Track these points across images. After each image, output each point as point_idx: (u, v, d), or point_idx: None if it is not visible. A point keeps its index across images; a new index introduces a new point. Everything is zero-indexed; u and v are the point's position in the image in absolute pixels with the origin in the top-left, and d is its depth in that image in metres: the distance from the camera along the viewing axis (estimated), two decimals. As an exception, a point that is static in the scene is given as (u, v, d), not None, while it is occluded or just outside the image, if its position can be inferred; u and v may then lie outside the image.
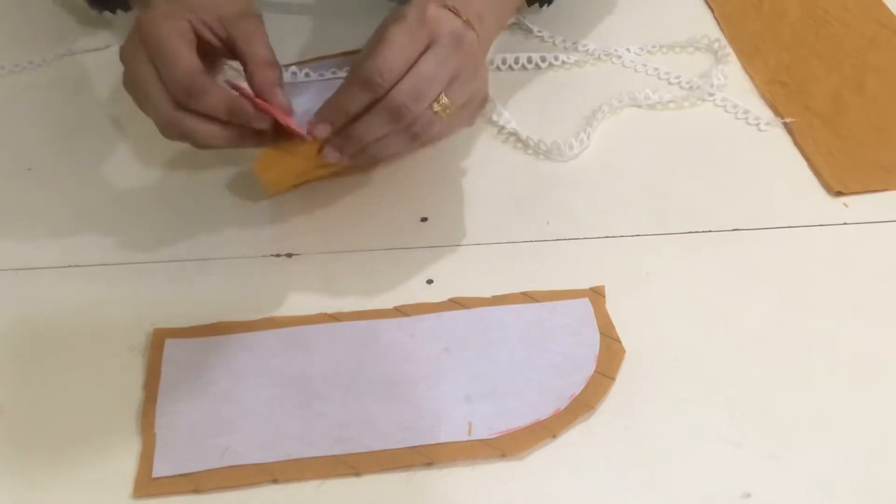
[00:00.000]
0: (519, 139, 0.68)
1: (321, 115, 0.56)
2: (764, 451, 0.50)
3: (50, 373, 0.54)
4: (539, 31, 0.79)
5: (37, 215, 0.64)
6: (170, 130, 0.55)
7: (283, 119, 0.55)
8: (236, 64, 0.57)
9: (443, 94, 0.55)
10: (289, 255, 0.61)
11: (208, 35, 0.56)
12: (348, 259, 0.61)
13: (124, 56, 0.56)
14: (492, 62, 0.73)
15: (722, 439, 0.50)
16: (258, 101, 0.55)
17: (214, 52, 0.57)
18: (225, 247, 0.61)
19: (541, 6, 0.80)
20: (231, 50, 0.57)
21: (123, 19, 0.78)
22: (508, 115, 0.70)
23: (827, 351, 0.55)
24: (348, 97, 0.55)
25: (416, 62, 0.54)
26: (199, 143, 0.56)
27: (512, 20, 0.79)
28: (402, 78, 0.54)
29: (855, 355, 0.54)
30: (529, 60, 0.75)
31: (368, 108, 0.55)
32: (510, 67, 0.75)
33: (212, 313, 0.57)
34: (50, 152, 0.69)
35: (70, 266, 0.60)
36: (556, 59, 0.75)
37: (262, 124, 0.55)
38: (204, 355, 0.54)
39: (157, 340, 0.55)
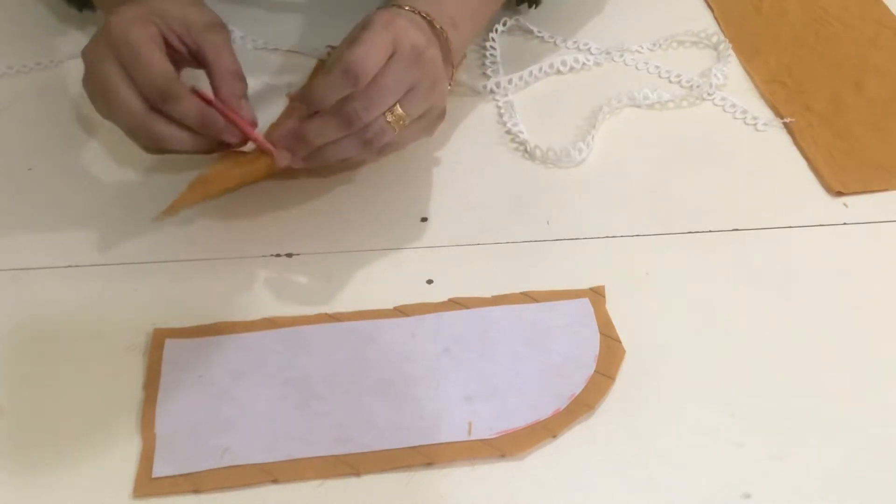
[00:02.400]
0: (526, 150, 0.68)
1: (300, 98, 0.57)
2: (764, 452, 0.50)
3: (50, 373, 0.54)
4: (539, 32, 0.79)
5: (37, 215, 0.64)
6: (139, 133, 0.56)
7: (248, 131, 0.56)
8: (193, 73, 0.58)
9: (397, 105, 0.56)
10: (289, 255, 0.61)
11: (176, 43, 0.57)
12: (348, 259, 0.61)
13: (90, 57, 0.55)
14: (510, 81, 0.74)
15: (722, 439, 0.50)
16: (227, 112, 0.55)
17: (179, 60, 0.57)
18: (225, 247, 0.61)
19: (529, 6, 0.80)
20: (198, 60, 0.57)
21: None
22: (521, 124, 0.70)
23: (827, 351, 0.55)
24: (327, 87, 0.54)
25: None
26: (165, 148, 0.57)
27: (511, 22, 0.79)
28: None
29: (855, 355, 0.54)
30: (541, 70, 0.75)
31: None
32: (526, 81, 0.74)
33: (212, 313, 0.57)
34: (50, 153, 0.69)
35: (70, 266, 0.60)
36: (564, 64, 0.75)
37: (232, 137, 0.56)
38: (204, 355, 0.54)
39: (157, 340, 0.55)
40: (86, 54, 0.56)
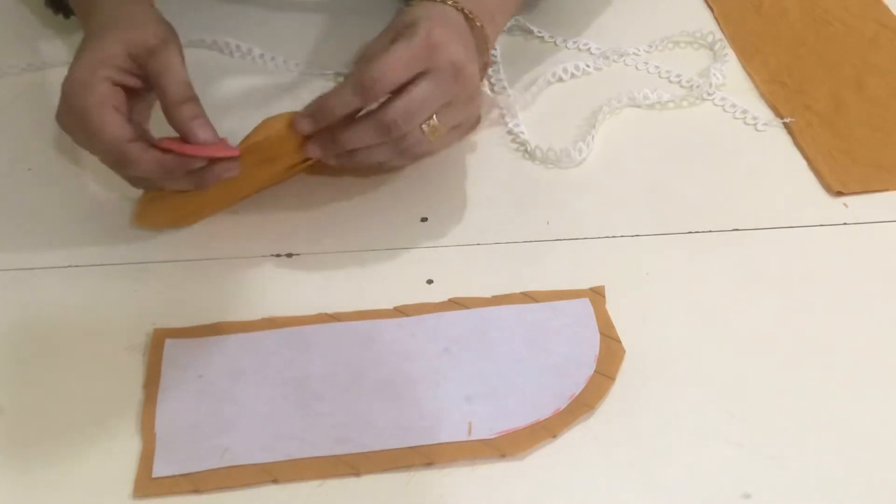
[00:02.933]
0: (527, 150, 0.68)
1: (308, 109, 0.57)
2: (764, 452, 0.50)
3: (50, 373, 0.54)
4: (539, 32, 0.79)
5: (37, 215, 0.64)
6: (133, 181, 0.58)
7: (209, 153, 0.55)
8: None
9: (434, 116, 0.56)
10: (289, 255, 0.61)
11: (130, 81, 0.57)
12: (348, 259, 0.61)
13: (60, 124, 0.57)
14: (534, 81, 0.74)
15: (722, 439, 0.50)
16: (184, 148, 0.55)
17: (136, 91, 0.57)
18: (225, 247, 0.61)
19: None
20: (150, 86, 0.57)
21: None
22: (523, 124, 0.70)
23: (827, 351, 0.55)
24: (338, 98, 0.56)
25: (412, 82, 0.55)
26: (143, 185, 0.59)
27: (510, 22, 0.79)
28: (399, 96, 0.55)
29: (855, 355, 0.54)
30: (554, 75, 0.74)
31: (353, 115, 0.57)
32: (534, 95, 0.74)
33: (212, 313, 0.57)
34: (50, 153, 0.69)
35: (70, 266, 0.60)
36: (566, 71, 0.75)
37: (198, 164, 0.56)
38: (204, 355, 0.54)
39: (157, 340, 0.55)
40: (57, 120, 0.57)
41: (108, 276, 0.60)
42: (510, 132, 0.70)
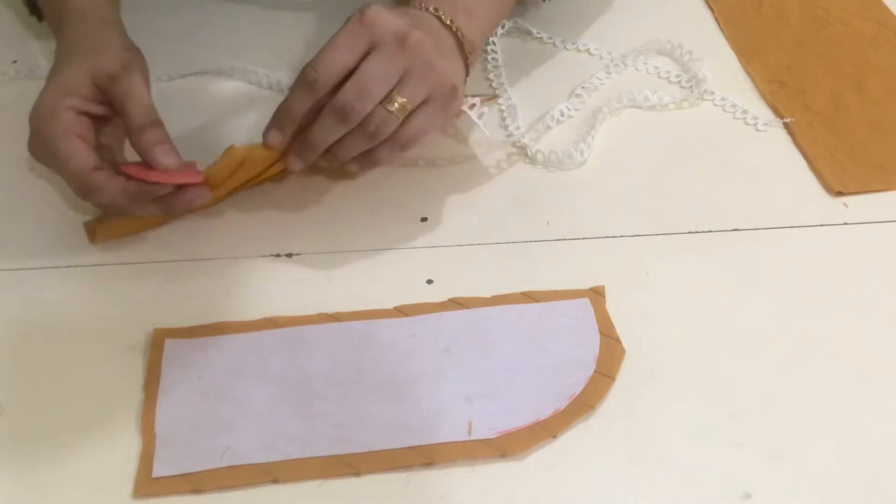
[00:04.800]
0: (527, 154, 0.68)
1: (271, 121, 0.58)
2: (764, 452, 0.50)
3: (50, 373, 0.54)
4: (538, 33, 0.79)
5: (37, 215, 0.64)
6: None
7: (173, 179, 0.56)
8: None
9: (395, 93, 0.56)
10: (289, 255, 0.61)
11: (95, 109, 0.57)
12: (348, 259, 0.61)
13: (31, 153, 0.58)
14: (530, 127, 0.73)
15: (722, 439, 0.50)
16: (148, 174, 0.55)
17: (109, 115, 0.58)
18: (225, 247, 0.61)
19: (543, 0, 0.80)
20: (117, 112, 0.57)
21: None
22: (524, 127, 0.70)
23: (827, 351, 0.55)
24: (292, 99, 0.56)
25: (359, 64, 0.55)
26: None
27: (510, 24, 0.79)
28: (346, 80, 0.55)
29: (855, 355, 0.54)
30: (561, 113, 0.72)
31: (316, 113, 0.56)
32: (547, 126, 0.72)
33: (212, 313, 0.57)
34: (50, 152, 0.69)
35: (70, 266, 0.60)
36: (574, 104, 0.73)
37: (164, 190, 0.56)
38: (204, 355, 0.54)
39: (157, 340, 0.55)
40: (28, 146, 0.58)
41: (108, 276, 0.60)
42: (511, 135, 0.69)
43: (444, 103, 0.59)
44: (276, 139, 0.57)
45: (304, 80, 0.56)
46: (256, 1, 0.83)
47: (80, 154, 0.55)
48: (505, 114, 0.71)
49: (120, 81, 0.56)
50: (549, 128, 0.70)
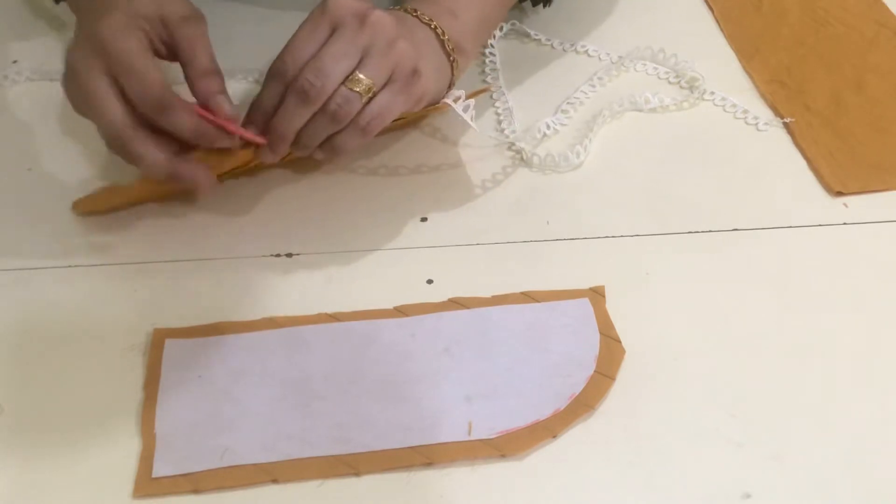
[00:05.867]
0: (523, 158, 0.67)
1: (247, 118, 0.57)
2: (764, 452, 0.50)
3: (50, 373, 0.54)
4: (536, 35, 0.79)
5: (37, 215, 0.64)
6: (116, 146, 0.55)
7: (233, 130, 0.55)
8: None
9: (357, 73, 0.55)
10: (289, 255, 0.61)
11: (158, 44, 0.56)
12: (348, 259, 0.61)
13: (78, 65, 0.54)
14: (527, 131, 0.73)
15: (722, 439, 0.50)
16: (211, 118, 0.55)
17: (159, 57, 0.57)
18: (225, 247, 0.61)
19: (543, 6, 0.80)
20: (173, 55, 0.57)
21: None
22: (520, 131, 0.70)
23: (827, 351, 0.55)
24: (265, 92, 0.56)
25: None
26: (138, 166, 0.56)
27: (507, 26, 0.79)
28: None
29: (855, 355, 0.54)
30: (557, 120, 0.72)
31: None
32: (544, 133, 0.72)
33: (212, 313, 0.57)
34: (50, 152, 0.69)
35: (70, 266, 0.60)
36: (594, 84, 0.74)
37: (226, 143, 0.56)
38: (204, 355, 0.54)
39: (157, 340, 0.55)
40: (72, 60, 0.55)
41: (108, 276, 0.60)
42: (508, 138, 0.69)
43: (405, 84, 0.58)
44: (255, 134, 0.57)
45: (272, 72, 0.56)
46: (256, 1, 0.83)
47: (158, 70, 0.54)
48: (501, 117, 0.71)
49: (189, 24, 0.56)
50: (545, 135, 0.69)
